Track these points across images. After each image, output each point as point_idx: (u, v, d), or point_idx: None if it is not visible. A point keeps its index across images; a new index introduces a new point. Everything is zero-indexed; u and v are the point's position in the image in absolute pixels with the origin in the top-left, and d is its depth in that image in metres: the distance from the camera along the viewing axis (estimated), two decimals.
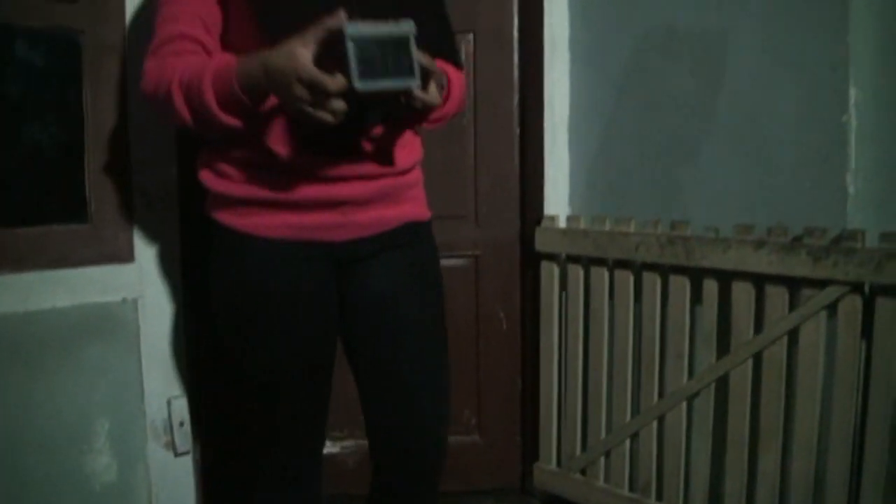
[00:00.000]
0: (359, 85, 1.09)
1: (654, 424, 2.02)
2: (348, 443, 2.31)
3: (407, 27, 1.12)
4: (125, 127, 1.72)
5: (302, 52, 1.09)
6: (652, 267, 2.00)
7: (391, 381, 1.44)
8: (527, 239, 2.29)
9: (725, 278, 1.85)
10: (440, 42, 1.40)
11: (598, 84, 2.22)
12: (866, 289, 1.63)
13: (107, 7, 1.68)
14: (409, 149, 1.42)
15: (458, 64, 1.48)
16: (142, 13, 1.70)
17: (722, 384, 1.89)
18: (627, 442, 2.09)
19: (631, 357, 2.07)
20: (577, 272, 2.17)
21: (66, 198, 1.70)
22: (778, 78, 1.80)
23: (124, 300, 1.73)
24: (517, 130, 2.33)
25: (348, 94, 1.11)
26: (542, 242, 2.23)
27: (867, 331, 1.64)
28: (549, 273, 2.23)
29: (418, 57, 1.13)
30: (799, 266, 1.69)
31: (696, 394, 1.93)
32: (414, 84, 1.14)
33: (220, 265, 1.39)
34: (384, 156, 1.36)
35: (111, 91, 1.69)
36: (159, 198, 1.78)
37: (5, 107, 1.59)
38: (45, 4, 1.59)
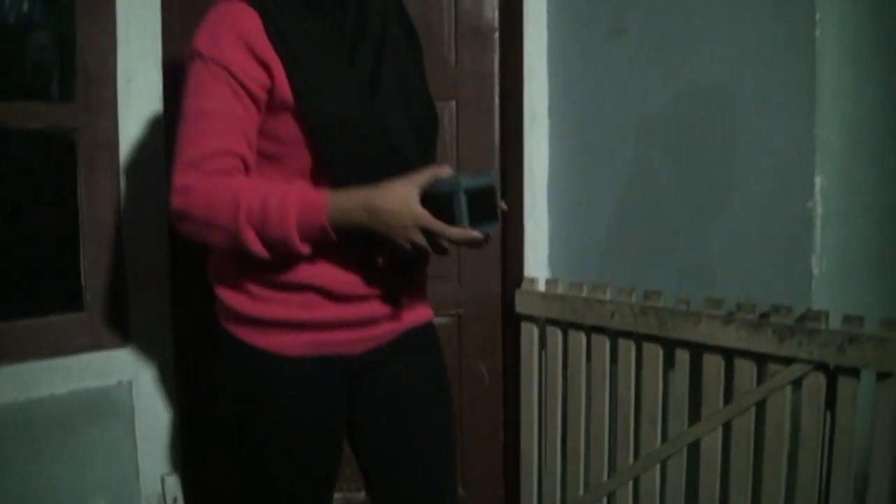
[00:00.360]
0: (468, 228, 1.20)
1: (630, 485, 2.11)
2: None
3: (495, 177, 1.28)
4: (118, 217, 1.79)
5: (415, 199, 1.18)
6: (626, 334, 2.08)
7: (403, 482, 1.47)
8: (507, 300, 2.37)
9: (696, 350, 1.93)
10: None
11: (577, 152, 2.30)
12: (831, 367, 1.71)
13: (100, 106, 1.76)
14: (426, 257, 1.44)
15: None
16: (133, 111, 1.76)
17: (694, 449, 1.96)
18: (605, 501, 2.18)
19: (608, 418, 2.15)
20: (555, 334, 2.25)
21: (63, 288, 1.77)
22: (748, 161, 1.88)
23: (119, 383, 1.81)
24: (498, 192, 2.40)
25: None
26: (521, 305, 2.31)
27: (831, 405, 1.73)
28: (529, 334, 2.32)
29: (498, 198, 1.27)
30: (765, 343, 1.78)
31: (669, 457, 2.01)
32: (498, 227, 1.28)
33: (231, 374, 1.38)
34: (413, 274, 1.42)
35: (105, 184, 1.76)
36: (151, 283, 1.85)
37: (5, 205, 1.66)
38: (44, 106, 1.66)
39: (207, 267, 1.41)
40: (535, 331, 2.31)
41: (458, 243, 1.21)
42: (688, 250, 2.03)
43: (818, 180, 1.77)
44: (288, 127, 1.27)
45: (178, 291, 1.88)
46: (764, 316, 1.81)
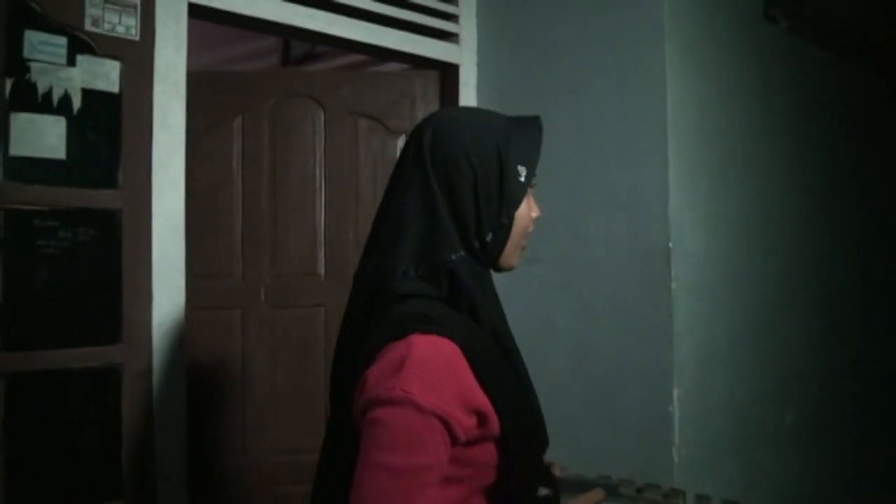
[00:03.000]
0: None
1: None
2: None
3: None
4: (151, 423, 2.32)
5: None
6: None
7: None
8: None
9: None
10: None
11: None
12: None
13: (138, 190, 2.21)
14: None
15: None
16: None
17: None
18: None
19: None
20: None
21: (107, 482, 2.27)
22: (624, 375, 2.50)
23: None
24: None
25: None
26: None
27: None
28: None
29: None
30: None
31: None
32: None
33: None
34: None
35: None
36: (174, 476, 2.37)
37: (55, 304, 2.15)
38: (95, 192, 2.17)
39: None
40: None
41: None
42: (585, 435, 2.63)
43: (676, 392, 2.40)
44: (487, 455, 1.17)
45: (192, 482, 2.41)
46: (639, 490, 2.39)
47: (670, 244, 2.37)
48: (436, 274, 1.18)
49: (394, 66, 3.22)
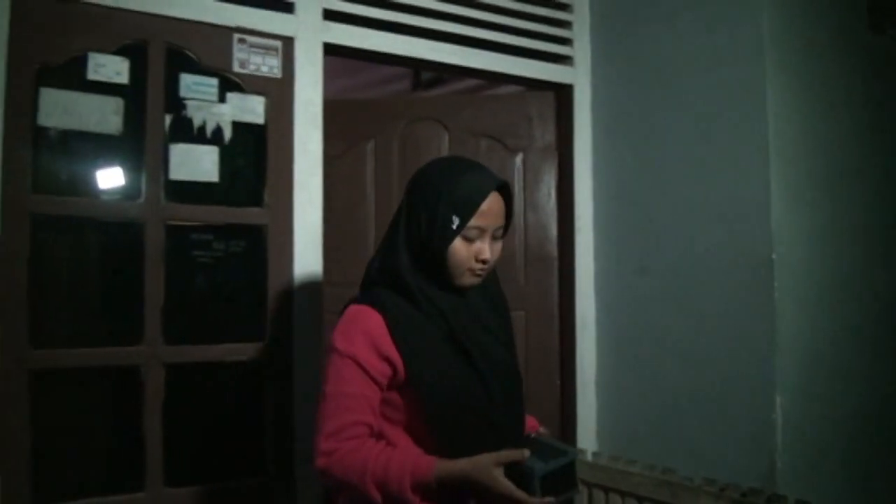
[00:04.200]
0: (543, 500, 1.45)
1: None
2: None
3: (573, 453, 1.50)
4: (291, 411, 2.62)
5: (498, 476, 1.46)
6: (649, 500, 2.78)
7: None
8: None
9: None
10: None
11: (619, 354, 3.05)
12: None
13: (281, 208, 2.52)
14: None
15: None
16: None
17: None
18: None
19: None
20: (599, 496, 2.96)
21: (252, 460, 2.57)
22: (729, 382, 2.60)
23: None
24: (558, 382, 3.16)
25: None
26: None
27: None
28: (580, 494, 3.04)
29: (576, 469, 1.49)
30: None
31: None
32: (576, 491, 1.51)
33: None
34: None
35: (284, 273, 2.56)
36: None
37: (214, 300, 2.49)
38: (244, 210, 2.51)
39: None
40: (585, 491, 3.02)
41: None
42: (693, 439, 2.75)
43: (779, 399, 2.49)
44: (405, 399, 1.59)
45: None
46: (743, 495, 2.49)
47: (773, 255, 2.48)
48: (389, 271, 1.65)
49: (510, 87, 3.44)
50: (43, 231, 2.28)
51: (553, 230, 3.20)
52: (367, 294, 1.65)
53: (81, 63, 2.31)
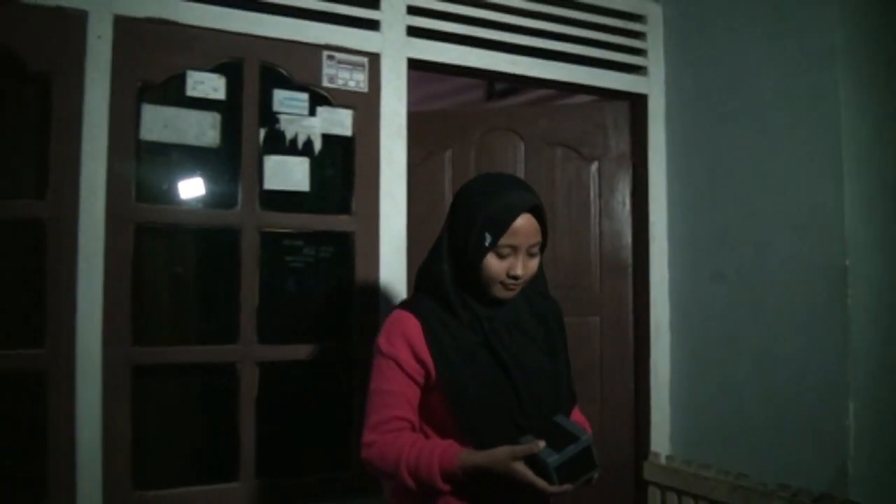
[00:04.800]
0: (561, 486, 1.55)
1: None
2: None
3: (586, 439, 1.55)
4: None
5: (518, 467, 1.55)
6: None
7: None
8: (637, 468, 3.13)
9: None
10: (569, 387, 1.86)
11: (692, 359, 3.10)
12: None
13: (367, 216, 2.66)
14: None
15: (575, 402, 1.89)
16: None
17: None
18: None
19: None
20: (673, 499, 3.01)
21: (341, 455, 2.70)
22: (802, 388, 2.63)
23: None
24: (632, 386, 3.23)
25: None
26: (647, 473, 3.06)
27: None
28: (654, 497, 3.07)
29: (594, 451, 1.56)
30: None
31: None
32: (596, 473, 1.59)
33: None
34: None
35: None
36: None
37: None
38: (333, 217, 2.65)
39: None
40: (658, 494, 3.08)
41: (554, 494, 1.56)
42: (765, 444, 2.78)
43: (852, 405, 2.51)
44: (438, 401, 1.70)
45: None
46: (816, 500, 2.52)
47: (846, 262, 2.51)
48: (431, 283, 1.78)
49: (581, 97, 3.51)
50: (145, 237, 2.45)
51: (627, 238, 3.27)
52: (410, 300, 1.81)
53: (181, 80, 2.47)
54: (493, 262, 1.70)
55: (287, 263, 2.61)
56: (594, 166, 3.29)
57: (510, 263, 1.71)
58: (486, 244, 1.68)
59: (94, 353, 2.30)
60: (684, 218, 3.17)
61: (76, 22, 2.33)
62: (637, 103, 3.29)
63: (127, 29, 2.39)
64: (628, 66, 3.25)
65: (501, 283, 1.72)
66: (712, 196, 3.03)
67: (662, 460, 3.08)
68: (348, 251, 2.67)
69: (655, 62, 3.27)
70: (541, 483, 1.55)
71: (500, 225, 1.68)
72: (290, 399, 2.64)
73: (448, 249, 1.76)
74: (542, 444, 1.56)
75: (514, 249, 1.70)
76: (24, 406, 2.31)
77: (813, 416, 2.60)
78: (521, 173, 3.25)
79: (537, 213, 1.73)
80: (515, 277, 1.71)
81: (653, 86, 3.27)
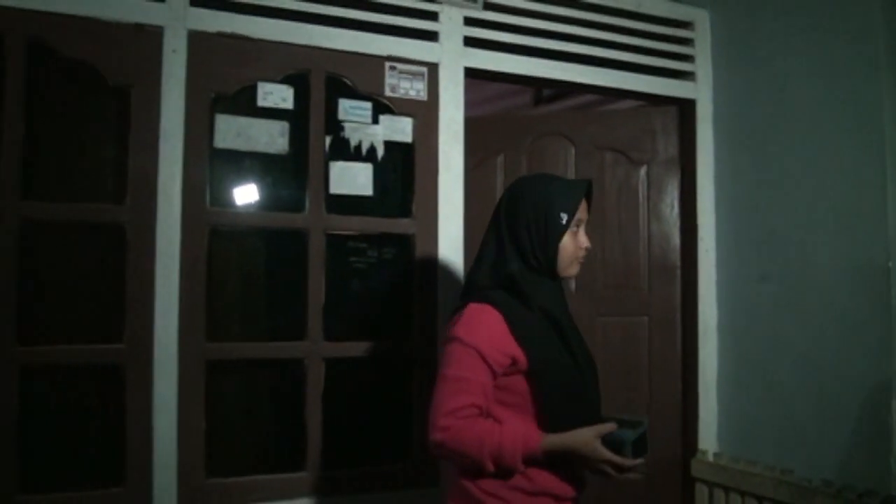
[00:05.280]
0: (631, 464, 1.72)
1: None
2: None
3: (645, 423, 1.77)
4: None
5: (598, 445, 1.69)
6: (770, 500, 2.88)
7: None
8: (686, 465, 3.22)
9: None
10: None
11: (739, 360, 3.17)
12: None
13: (427, 219, 2.78)
14: None
15: None
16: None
17: None
18: None
19: None
20: (720, 495, 3.08)
21: (398, 445, 2.82)
22: (846, 387, 2.70)
23: None
24: (680, 385, 3.30)
25: None
26: (695, 470, 3.14)
27: None
28: (701, 493, 3.15)
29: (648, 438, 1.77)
30: None
31: None
32: (647, 454, 1.78)
33: None
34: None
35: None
36: None
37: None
38: (394, 220, 2.78)
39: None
40: (706, 491, 3.14)
41: (629, 470, 1.73)
42: (810, 442, 2.84)
43: (894, 404, 2.58)
44: (521, 384, 1.81)
45: None
46: (860, 496, 2.58)
47: (890, 263, 2.57)
48: (502, 277, 1.86)
49: (628, 101, 3.59)
50: (218, 239, 2.59)
51: (676, 240, 3.35)
52: (484, 295, 1.87)
53: (252, 91, 2.61)
54: (568, 241, 1.88)
55: (351, 264, 2.75)
56: (643, 170, 3.38)
57: (581, 238, 1.91)
58: (564, 223, 1.85)
59: (171, 348, 2.45)
60: (731, 221, 3.24)
61: (153, 37, 2.48)
62: (685, 108, 3.37)
63: (200, 43, 2.54)
64: (676, 71, 3.33)
65: (577, 258, 1.92)
66: (759, 199, 3.10)
67: (710, 457, 3.15)
68: (409, 252, 2.80)
69: (703, 67, 3.35)
70: (621, 459, 1.70)
71: (574, 201, 1.88)
72: (353, 394, 2.76)
73: (514, 248, 1.88)
74: (614, 425, 1.73)
75: (581, 223, 1.91)
76: (105, 397, 2.46)
77: (856, 414, 2.66)
78: (571, 177, 3.34)
79: (588, 194, 1.95)
80: (587, 249, 1.93)
81: (701, 91, 3.34)
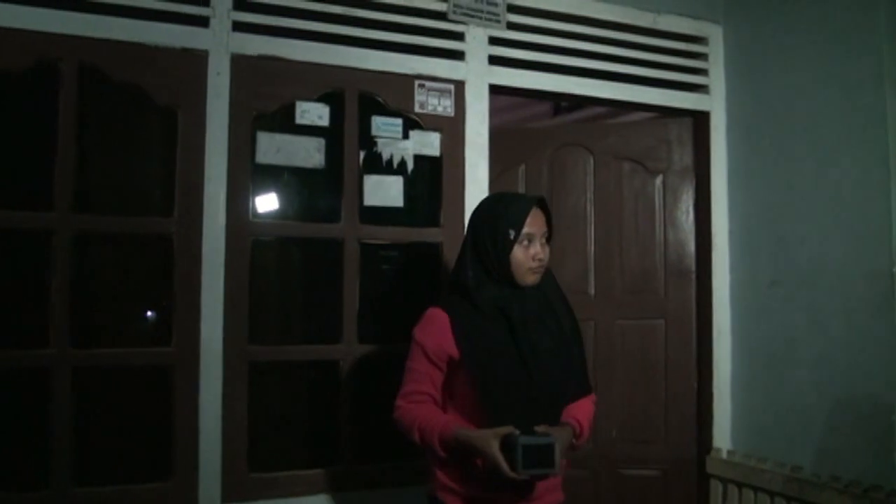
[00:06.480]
0: (520, 472, 1.82)
1: None
2: None
3: (552, 438, 1.84)
4: None
5: (494, 445, 1.86)
6: (780, 495, 3.02)
7: None
8: (700, 462, 3.35)
9: None
10: (581, 378, 2.18)
11: (752, 360, 3.31)
12: None
13: (454, 228, 2.91)
14: (554, 482, 2.09)
15: (589, 393, 2.20)
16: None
17: None
18: None
19: None
20: (734, 491, 3.21)
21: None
22: (854, 388, 2.78)
23: None
24: (695, 385, 3.43)
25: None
26: (710, 467, 3.27)
27: None
28: (715, 489, 3.28)
29: (557, 453, 1.85)
30: None
31: None
32: (552, 472, 1.86)
33: None
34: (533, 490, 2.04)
35: None
36: None
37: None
38: (423, 229, 2.94)
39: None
40: (720, 487, 3.27)
41: (507, 479, 1.86)
42: (820, 440, 2.97)
43: None
44: (462, 382, 2.05)
45: None
46: (866, 490, 2.71)
47: (894, 269, 2.70)
48: (458, 284, 2.12)
49: (646, 112, 3.71)
50: (260, 248, 2.76)
51: (691, 246, 3.49)
52: (442, 300, 2.15)
53: (290, 110, 2.78)
54: (518, 253, 2.06)
55: (384, 271, 2.91)
56: (659, 179, 3.52)
57: (533, 251, 2.07)
58: (512, 238, 2.04)
59: (216, 350, 2.62)
60: (744, 227, 3.38)
61: (198, 61, 2.65)
62: (700, 119, 3.51)
63: (242, 66, 2.71)
64: (691, 84, 3.47)
65: (529, 268, 2.07)
66: (771, 207, 3.24)
67: (724, 455, 3.29)
68: (437, 260, 2.95)
69: (717, 80, 3.49)
70: (503, 465, 1.85)
71: (519, 218, 2.05)
72: (384, 392, 2.91)
73: (472, 258, 2.11)
74: (517, 431, 1.87)
75: (531, 239, 2.07)
76: (154, 396, 2.63)
77: (863, 413, 2.78)
78: (590, 186, 3.50)
79: (543, 208, 2.12)
80: (539, 260, 2.08)
81: (714, 103, 3.48)
